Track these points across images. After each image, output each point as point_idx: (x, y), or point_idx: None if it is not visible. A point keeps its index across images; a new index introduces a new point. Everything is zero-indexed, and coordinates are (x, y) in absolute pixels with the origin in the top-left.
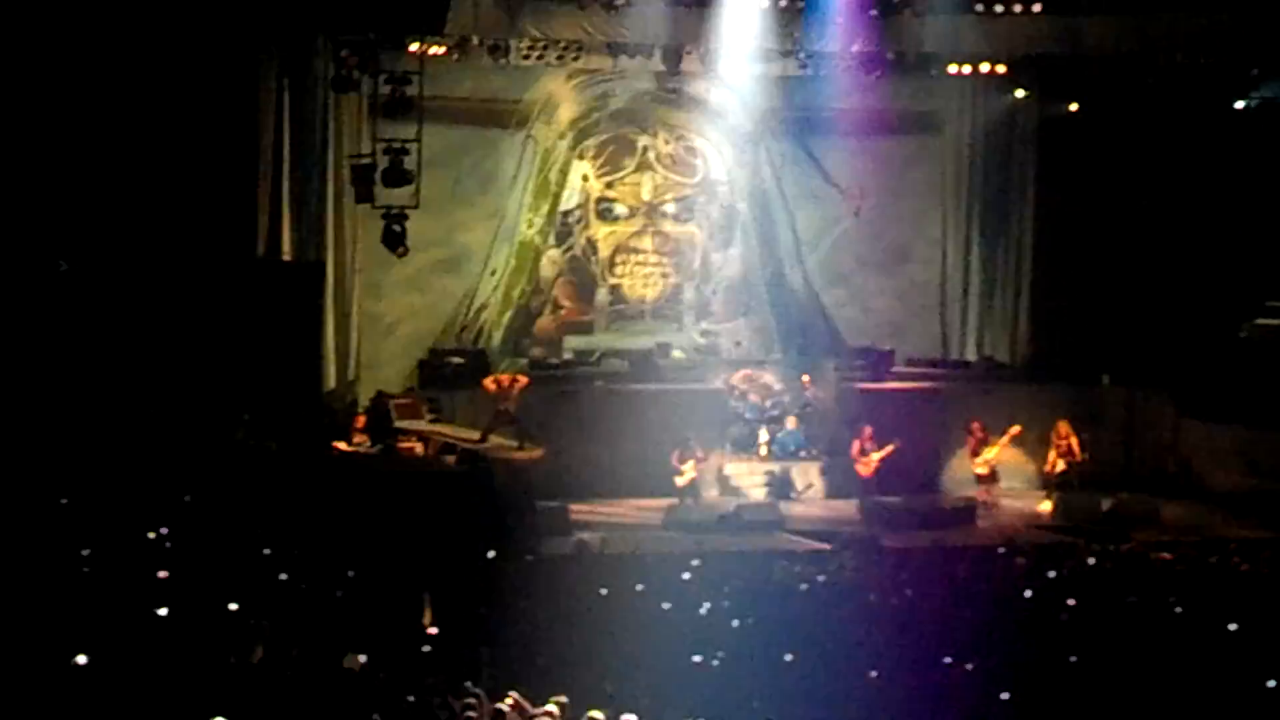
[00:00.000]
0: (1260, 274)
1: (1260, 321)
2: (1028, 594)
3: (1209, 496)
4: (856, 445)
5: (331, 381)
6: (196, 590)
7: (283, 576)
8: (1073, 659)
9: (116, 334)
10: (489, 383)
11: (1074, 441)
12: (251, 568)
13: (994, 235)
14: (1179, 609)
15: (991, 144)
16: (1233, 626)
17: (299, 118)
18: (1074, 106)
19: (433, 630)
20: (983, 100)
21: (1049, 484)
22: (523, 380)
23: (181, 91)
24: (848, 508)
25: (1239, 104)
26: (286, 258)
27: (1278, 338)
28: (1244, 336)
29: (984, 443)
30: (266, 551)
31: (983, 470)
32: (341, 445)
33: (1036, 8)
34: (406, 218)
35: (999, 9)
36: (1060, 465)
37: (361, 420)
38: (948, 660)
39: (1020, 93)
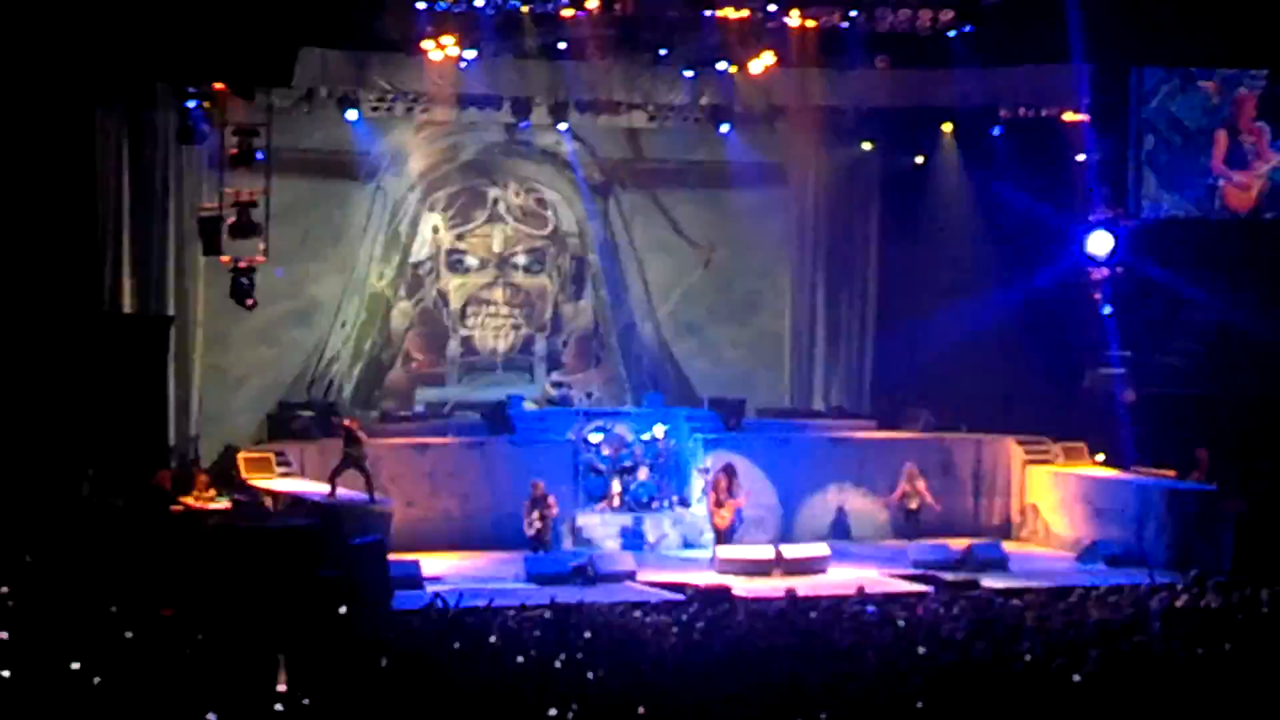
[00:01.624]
0: (1102, 322)
1: (1103, 370)
2: (879, 642)
3: (1057, 543)
4: (712, 496)
5: (177, 436)
6: (40, 651)
7: (129, 635)
8: (920, 705)
9: None
10: (350, 423)
11: (920, 485)
12: (97, 627)
13: (840, 286)
14: (1028, 656)
15: (837, 195)
16: (1077, 677)
17: (140, 169)
18: (919, 159)
19: (284, 689)
20: (828, 152)
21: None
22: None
23: (17, 143)
24: (701, 557)
25: (1080, 157)
26: (129, 311)
27: (1120, 386)
28: (1087, 385)
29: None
30: (112, 610)
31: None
32: (188, 500)
33: (881, 62)
34: (255, 270)
35: (846, 63)
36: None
37: (207, 475)
38: (800, 714)
39: (866, 145)
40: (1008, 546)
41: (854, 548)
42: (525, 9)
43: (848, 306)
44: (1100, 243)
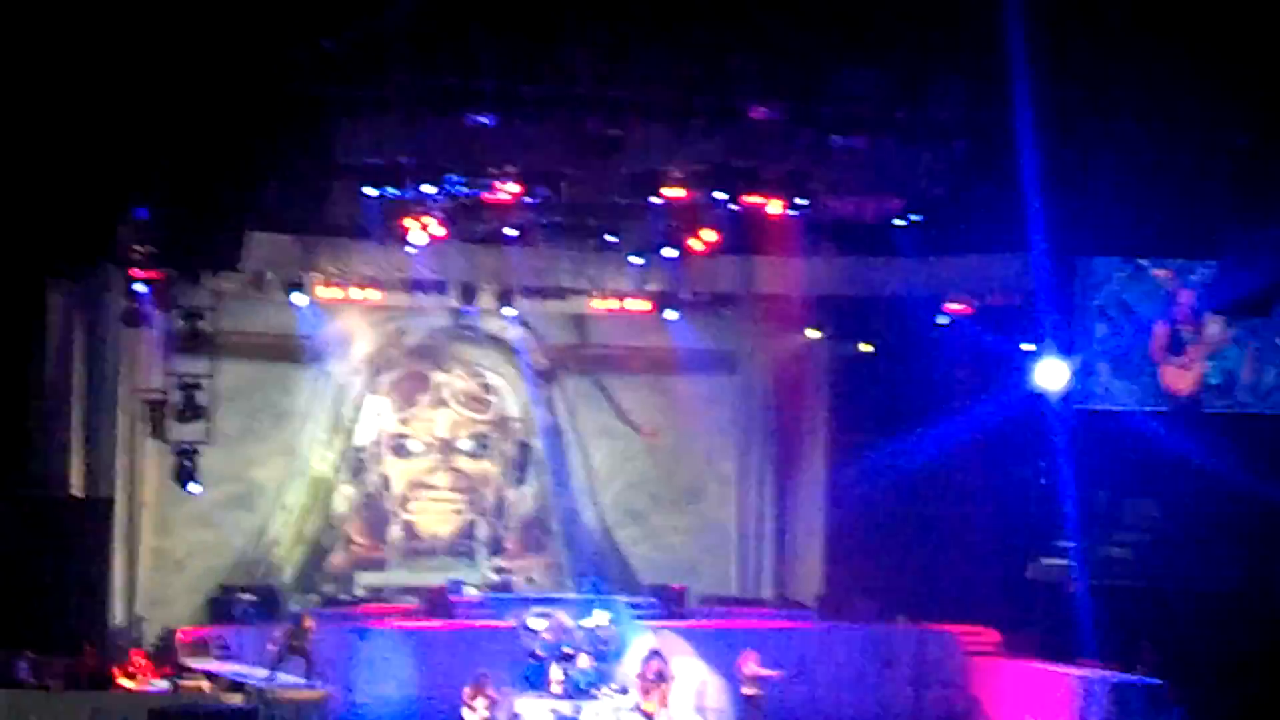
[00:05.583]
0: (1046, 513)
1: (1045, 561)
2: None
3: None
4: (640, 685)
5: (118, 618)
6: None
7: None
8: None
9: None
10: (309, 624)
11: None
12: None
13: (787, 474)
14: None
15: (784, 383)
16: None
17: (88, 351)
18: (867, 347)
19: None
20: (776, 340)
21: None
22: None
23: None
24: None
25: (1029, 346)
26: (75, 493)
27: (1064, 578)
28: (1030, 577)
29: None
30: None
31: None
32: (127, 683)
33: (827, 250)
34: (198, 453)
35: (792, 250)
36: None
37: (147, 657)
38: None
39: (813, 333)
40: None
41: None
42: (474, 195)
43: (794, 494)
44: (1051, 375)
